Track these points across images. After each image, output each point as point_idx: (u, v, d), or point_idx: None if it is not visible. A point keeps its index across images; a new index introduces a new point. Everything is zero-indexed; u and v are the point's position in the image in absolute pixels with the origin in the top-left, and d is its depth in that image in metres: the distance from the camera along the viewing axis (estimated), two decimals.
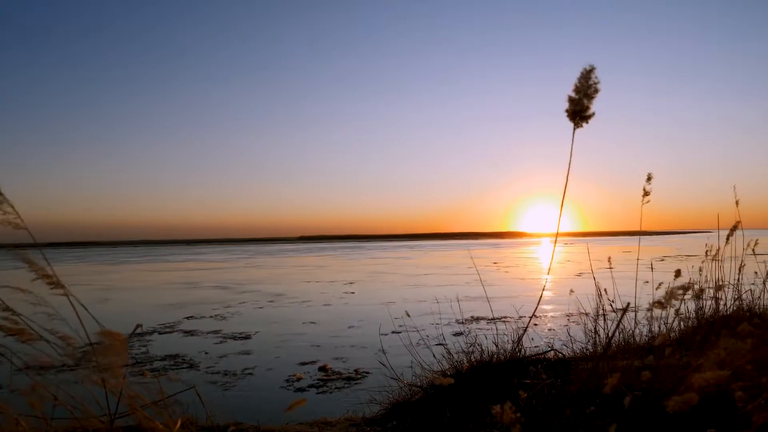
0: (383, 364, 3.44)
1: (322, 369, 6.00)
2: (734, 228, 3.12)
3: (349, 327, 8.84)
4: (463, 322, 8.55)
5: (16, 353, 1.28)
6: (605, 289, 3.39)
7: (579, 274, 17.50)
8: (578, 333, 3.46)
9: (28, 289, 1.26)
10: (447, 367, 3.13)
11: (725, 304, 3.23)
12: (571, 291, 3.84)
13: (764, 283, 3.29)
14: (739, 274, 3.36)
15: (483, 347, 3.10)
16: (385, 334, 7.23)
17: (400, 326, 7.73)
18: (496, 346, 3.09)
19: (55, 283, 1.24)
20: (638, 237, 3.26)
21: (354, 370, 5.94)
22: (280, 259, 38.68)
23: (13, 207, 1.27)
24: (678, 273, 2.52)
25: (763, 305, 3.26)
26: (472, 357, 3.07)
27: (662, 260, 22.66)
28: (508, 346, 3.07)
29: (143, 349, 7.41)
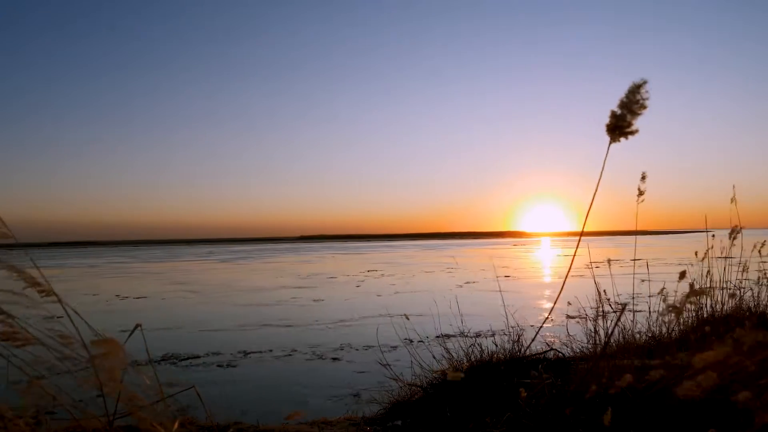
0: (382, 364, 3.44)
1: None
2: (733, 230, 3.13)
3: None
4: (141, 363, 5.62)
5: (14, 353, 1.27)
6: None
7: (456, 288, 13.31)
8: (579, 333, 3.45)
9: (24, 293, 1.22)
10: (445, 366, 3.13)
11: (723, 304, 3.23)
12: (568, 304, 3.71)
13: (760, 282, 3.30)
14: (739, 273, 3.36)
15: (483, 346, 3.10)
16: None
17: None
18: (496, 345, 3.09)
19: (47, 291, 1.21)
20: (630, 236, 3.26)
21: None
22: (180, 263, 34.59)
23: None
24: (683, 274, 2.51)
25: (763, 304, 3.26)
26: (472, 356, 3.07)
27: (597, 267, 20.51)
28: (508, 346, 3.07)
29: None
